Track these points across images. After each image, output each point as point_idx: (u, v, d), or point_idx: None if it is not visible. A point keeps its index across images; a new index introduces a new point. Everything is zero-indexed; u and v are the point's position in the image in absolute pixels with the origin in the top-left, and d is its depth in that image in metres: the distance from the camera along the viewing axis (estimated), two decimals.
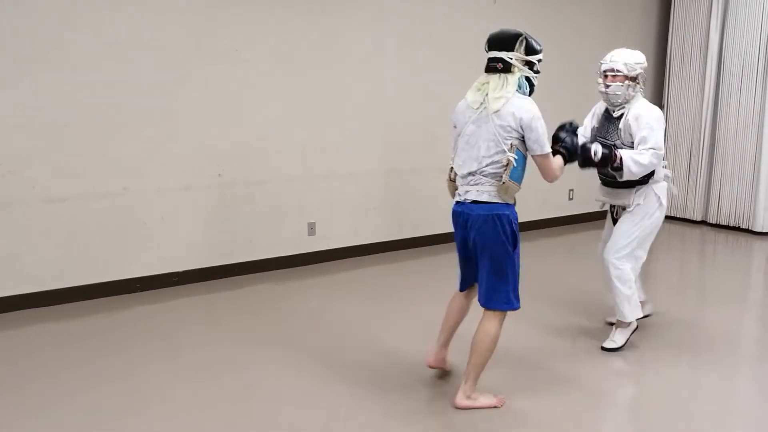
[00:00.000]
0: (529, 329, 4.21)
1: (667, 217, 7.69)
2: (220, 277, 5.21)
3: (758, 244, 6.72)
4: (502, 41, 3.01)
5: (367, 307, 4.65)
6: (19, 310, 4.41)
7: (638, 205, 3.83)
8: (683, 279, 5.87)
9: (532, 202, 7.11)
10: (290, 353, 3.80)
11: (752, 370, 3.81)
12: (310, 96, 5.48)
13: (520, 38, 2.98)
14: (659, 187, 3.86)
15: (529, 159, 3.06)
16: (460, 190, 3.13)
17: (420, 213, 6.29)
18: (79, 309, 4.51)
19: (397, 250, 6.16)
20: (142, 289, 4.86)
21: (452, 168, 3.20)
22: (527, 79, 3.03)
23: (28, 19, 4.28)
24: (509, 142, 2.96)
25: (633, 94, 3.78)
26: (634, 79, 3.74)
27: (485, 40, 3.04)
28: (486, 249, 3.05)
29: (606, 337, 3.99)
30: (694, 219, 7.60)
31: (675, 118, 7.73)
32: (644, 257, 3.95)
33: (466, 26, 6.28)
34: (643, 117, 3.70)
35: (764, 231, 6.98)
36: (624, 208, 3.92)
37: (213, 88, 5.02)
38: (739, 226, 7.20)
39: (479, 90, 3.07)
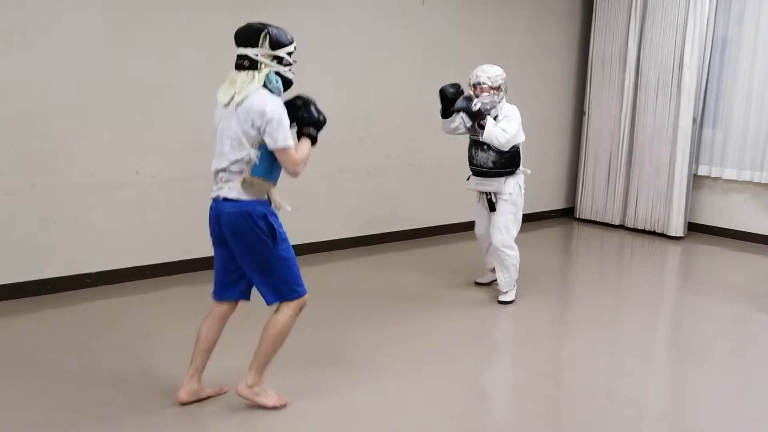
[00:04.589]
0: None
1: (588, 221, 7.99)
2: (138, 279, 5.00)
3: (671, 248, 6.97)
4: (245, 37, 2.93)
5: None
6: None
7: (509, 193, 4.66)
8: (601, 279, 6.02)
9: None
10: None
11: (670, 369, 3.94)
12: None
13: (263, 33, 2.90)
14: (521, 178, 4.75)
15: None
16: (215, 186, 3.02)
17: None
18: None
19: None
20: (53, 291, 4.63)
21: None
22: (278, 74, 2.95)
23: None
24: (251, 140, 2.89)
25: (498, 100, 4.63)
26: (497, 89, 4.60)
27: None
28: (242, 244, 2.97)
29: None
30: (613, 223, 7.82)
31: (595, 124, 7.93)
32: (518, 230, 4.81)
33: (396, 28, 6.28)
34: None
35: (677, 235, 7.24)
36: (495, 194, 4.72)
37: (131, 83, 4.82)
38: (654, 231, 7.44)
39: (229, 87, 2.95)
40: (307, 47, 5.67)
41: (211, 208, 3.03)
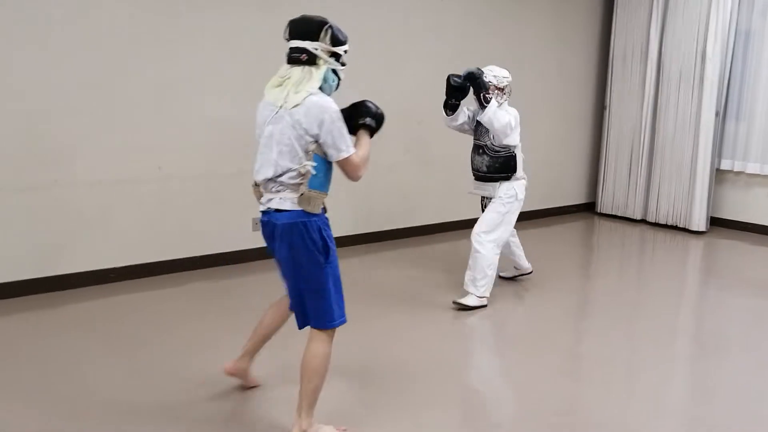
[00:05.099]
0: None
1: (609, 216, 7.94)
2: (159, 274, 5.06)
3: (694, 242, 6.91)
4: (304, 30, 2.69)
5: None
6: None
7: (500, 197, 4.59)
8: (622, 273, 5.99)
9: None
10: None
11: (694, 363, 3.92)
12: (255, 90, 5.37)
13: (326, 27, 2.68)
14: (518, 184, 4.65)
15: None
16: (263, 198, 2.77)
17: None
18: (5, 307, 4.32)
19: None
20: (76, 286, 4.69)
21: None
22: (334, 72, 2.75)
23: None
24: (305, 147, 2.65)
25: (501, 102, 4.54)
26: (501, 89, 4.55)
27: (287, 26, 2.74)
28: (294, 260, 2.72)
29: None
30: (634, 218, 7.77)
31: (617, 119, 7.88)
32: (505, 237, 4.68)
33: (415, 23, 6.28)
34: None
35: (700, 230, 7.18)
36: (490, 199, 4.67)
37: (152, 80, 4.88)
38: (676, 225, 7.38)
39: (280, 85, 2.71)
40: None
41: (263, 223, 2.79)
